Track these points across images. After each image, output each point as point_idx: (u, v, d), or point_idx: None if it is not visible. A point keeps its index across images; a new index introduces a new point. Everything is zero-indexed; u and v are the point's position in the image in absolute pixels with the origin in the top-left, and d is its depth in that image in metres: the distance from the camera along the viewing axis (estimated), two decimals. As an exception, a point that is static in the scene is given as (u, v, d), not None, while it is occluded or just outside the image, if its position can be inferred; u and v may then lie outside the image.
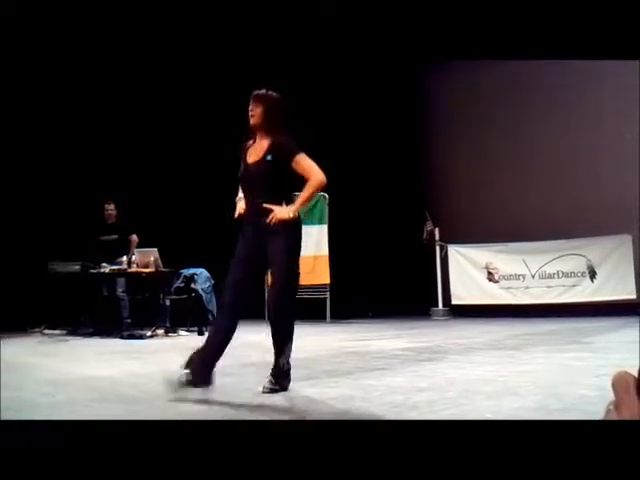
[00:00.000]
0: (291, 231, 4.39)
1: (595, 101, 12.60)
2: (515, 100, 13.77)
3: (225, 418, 3.57)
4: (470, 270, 13.14)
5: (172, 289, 10.70)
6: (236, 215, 4.60)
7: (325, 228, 13.27)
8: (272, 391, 4.33)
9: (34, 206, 11.20)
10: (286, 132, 4.54)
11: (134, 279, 10.22)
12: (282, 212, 4.29)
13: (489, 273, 12.93)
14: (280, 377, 4.42)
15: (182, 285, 10.73)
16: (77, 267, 10.12)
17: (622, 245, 11.48)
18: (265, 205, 4.32)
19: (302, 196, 4.41)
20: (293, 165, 4.40)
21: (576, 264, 12.04)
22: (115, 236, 10.52)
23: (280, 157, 4.41)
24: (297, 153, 4.42)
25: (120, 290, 10.14)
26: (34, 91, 11.09)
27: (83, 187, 11.39)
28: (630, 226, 11.08)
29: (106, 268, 10.08)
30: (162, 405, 3.93)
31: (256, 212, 4.38)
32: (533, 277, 12.48)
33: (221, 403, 4.00)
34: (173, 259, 10.31)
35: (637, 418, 0.68)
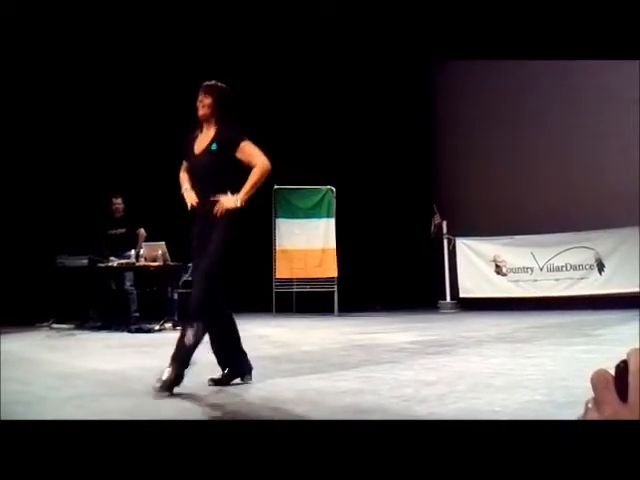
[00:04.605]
0: (232, 222, 4.36)
1: (598, 95, 12.51)
2: (522, 95, 13.71)
3: (232, 411, 3.57)
4: (478, 263, 13.12)
5: (180, 282, 10.70)
6: (189, 207, 4.52)
7: (333, 221, 13.26)
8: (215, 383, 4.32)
9: (42, 200, 11.22)
10: (233, 123, 4.52)
11: (142, 273, 10.22)
12: (228, 201, 4.29)
13: (497, 266, 12.91)
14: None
15: (190, 279, 10.72)
16: (85, 261, 10.12)
17: (630, 238, 11.43)
18: (213, 198, 4.31)
19: (248, 184, 4.36)
20: (238, 154, 4.39)
21: (584, 257, 12.01)
22: (123, 230, 10.53)
23: (224, 147, 4.39)
24: (241, 141, 4.40)
25: (128, 284, 10.16)
26: (41, 85, 11.10)
27: (91, 181, 11.40)
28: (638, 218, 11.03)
29: (114, 262, 10.08)
30: (170, 399, 3.94)
31: (204, 204, 4.37)
32: (541, 270, 12.45)
33: (228, 397, 4.00)
34: (181, 253, 10.30)
35: (617, 414, 0.70)
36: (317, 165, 13.10)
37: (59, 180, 11.43)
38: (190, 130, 4.73)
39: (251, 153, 4.42)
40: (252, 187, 4.37)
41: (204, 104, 4.48)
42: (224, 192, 4.35)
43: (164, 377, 4.05)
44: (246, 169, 4.44)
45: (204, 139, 4.52)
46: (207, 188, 4.40)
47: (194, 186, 4.56)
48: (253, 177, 4.37)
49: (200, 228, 4.47)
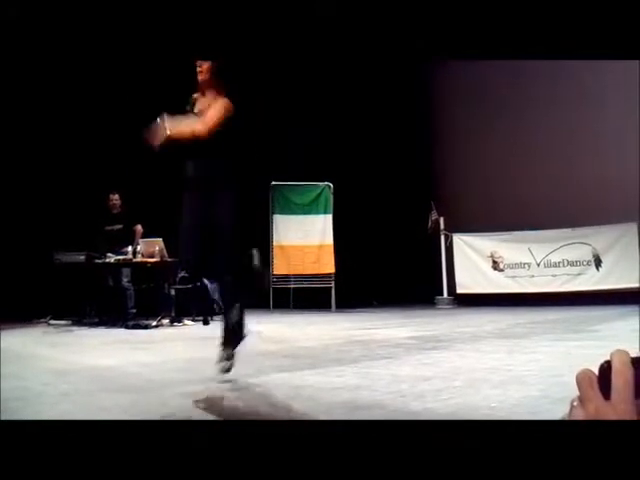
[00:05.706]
0: (235, 188, 4.43)
1: (598, 92, 12.50)
2: (521, 91, 13.69)
3: (229, 407, 3.57)
4: (475, 259, 13.13)
5: (177, 279, 10.69)
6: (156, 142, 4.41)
7: (330, 217, 13.27)
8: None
9: (39, 196, 11.21)
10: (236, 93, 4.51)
11: (139, 269, 10.23)
12: (159, 134, 4.26)
13: (494, 262, 12.92)
14: (227, 337, 4.42)
15: (187, 275, 10.72)
16: (82, 257, 10.13)
17: (628, 233, 11.44)
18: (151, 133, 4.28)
19: (184, 128, 4.30)
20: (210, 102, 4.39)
21: (581, 253, 12.01)
22: (120, 226, 10.53)
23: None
24: (221, 98, 4.41)
25: (125, 280, 10.16)
26: (40, 82, 11.08)
27: (88, 177, 11.38)
28: (635, 214, 11.04)
29: (111, 258, 10.09)
30: (167, 395, 3.93)
31: (202, 167, 4.43)
32: (538, 266, 12.46)
33: (224, 393, 4.00)
34: (178, 249, 10.29)
35: (599, 411, 0.75)
36: (315, 161, 13.10)
37: (56, 176, 11.41)
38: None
39: (212, 112, 4.35)
40: (186, 133, 4.29)
41: (202, 69, 4.46)
42: (221, 156, 4.33)
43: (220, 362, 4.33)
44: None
45: (205, 101, 4.51)
46: (205, 149, 4.34)
47: (190, 148, 4.49)
48: (191, 129, 4.30)
49: (197, 203, 4.56)
